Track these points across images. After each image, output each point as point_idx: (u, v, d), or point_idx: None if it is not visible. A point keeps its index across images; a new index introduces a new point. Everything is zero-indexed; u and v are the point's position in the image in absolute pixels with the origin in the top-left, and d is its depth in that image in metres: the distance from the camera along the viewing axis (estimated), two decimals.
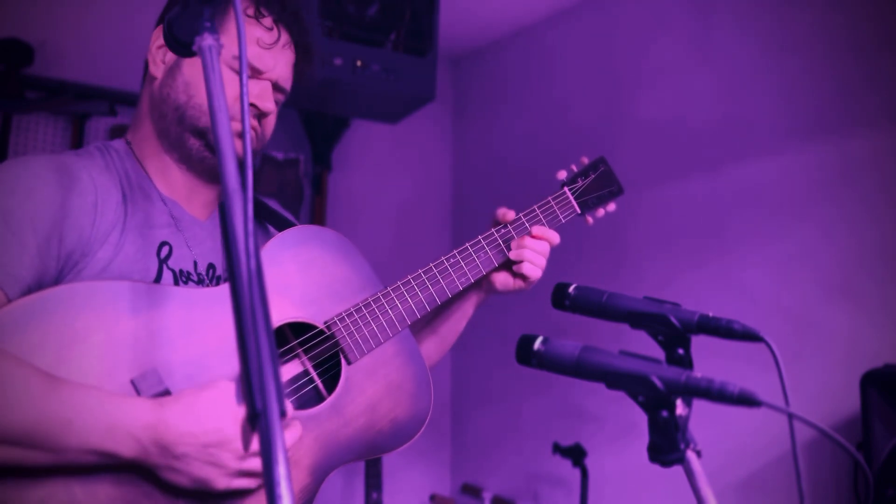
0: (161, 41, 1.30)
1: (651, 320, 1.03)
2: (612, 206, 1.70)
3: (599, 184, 1.67)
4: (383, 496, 3.18)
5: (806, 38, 2.66)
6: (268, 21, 1.33)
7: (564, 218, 1.63)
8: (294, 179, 3.70)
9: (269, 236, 1.49)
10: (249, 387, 0.64)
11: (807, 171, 2.62)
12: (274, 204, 1.57)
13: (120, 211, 1.23)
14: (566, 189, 1.65)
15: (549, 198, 1.63)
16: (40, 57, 3.03)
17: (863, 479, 2.22)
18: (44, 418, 1.02)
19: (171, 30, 0.98)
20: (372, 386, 1.36)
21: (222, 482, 1.08)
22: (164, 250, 1.27)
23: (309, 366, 1.36)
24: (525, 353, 0.95)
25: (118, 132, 3.21)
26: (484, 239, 1.54)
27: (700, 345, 1.04)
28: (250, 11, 1.31)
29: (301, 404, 1.33)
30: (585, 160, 1.69)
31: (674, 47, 3.13)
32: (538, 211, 1.61)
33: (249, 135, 0.79)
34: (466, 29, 3.89)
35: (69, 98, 3.07)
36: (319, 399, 1.34)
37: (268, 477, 0.60)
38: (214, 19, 0.87)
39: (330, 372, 1.37)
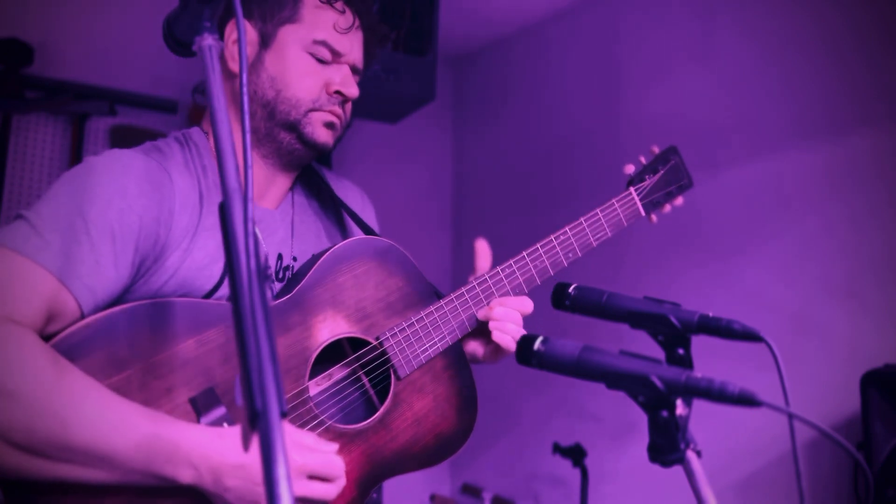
0: (235, 35, 1.31)
1: (651, 320, 1.03)
2: (679, 201, 1.56)
3: (669, 178, 1.53)
4: (383, 496, 3.17)
5: (808, 37, 2.66)
6: (339, 5, 1.34)
7: (627, 221, 1.52)
8: None
9: (345, 232, 1.52)
10: (249, 387, 0.64)
11: (808, 171, 2.61)
12: (354, 196, 1.57)
13: (195, 213, 1.24)
14: (632, 190, 1.53)
15: (614, 200, 1.51)
16: (40, 57, 3.03)
17: (863, 480, 2.22)
18: (113, 441, 1.05)
19: (170, 30, 0.98)
20: (419, 400, 1.37)
21: None
22: None
23: (365, 381, 1.37)
24: (525, 353, 0.95)
25: (118, 132, 3.21)
26: (553, 239, 1.46)
27: (700, 345, 1.04)
28: None
29: (353, 418, 1.35)
30: (656, 149, 1.56)
31: (675, 47, 3.13)
32: (600, 214, 1.50)
33: (249, 135, 0.79)
34: (466, 29, 3.89)
35: (69, 98, 3.07)
36: (368, 411, 1.36)
37: (267, 477, 0.60)
38: (214, 18, 0.87)
39: (381, 385, 1.38)
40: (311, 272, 1.31)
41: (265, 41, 1.32)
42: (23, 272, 1.08)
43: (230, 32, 1.32)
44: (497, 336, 1.39)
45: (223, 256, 1.24)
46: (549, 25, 3.75)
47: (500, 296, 1.43)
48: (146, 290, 1.20)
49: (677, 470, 0.91)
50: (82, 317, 1.13)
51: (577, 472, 3.06)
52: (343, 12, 1.34)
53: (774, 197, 2.70)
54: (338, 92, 1.33)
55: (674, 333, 1.02)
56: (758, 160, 2.76)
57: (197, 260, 1.23)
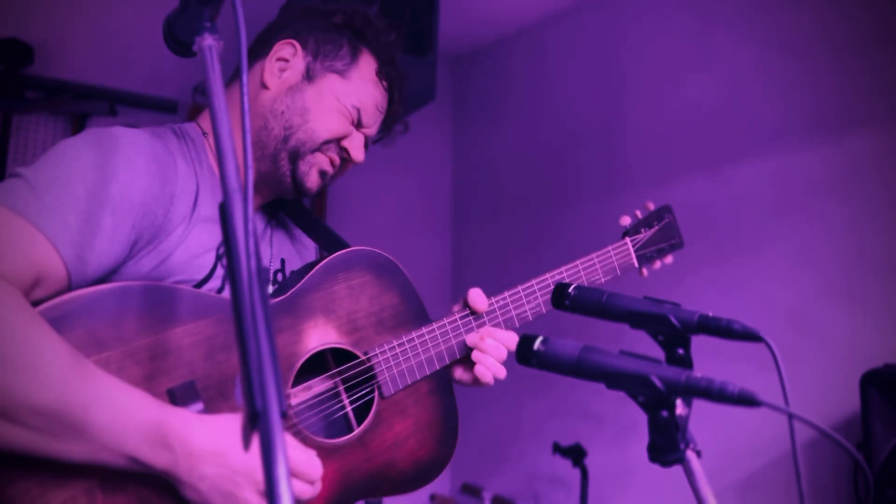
0: (283, 54, 1.36)
1: (651, 320, 1.03)
2: (669, 259, 1.61)
3: (662, 235, 1.59)
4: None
5: (807, 38, 2.66)
6: (385, 85, 1.40)
7: (621, 270, 1.55)
8: None
9: (297, 245, 1.52)
10: (249, 386, 0.64)
11: (808, 171, 2.62)
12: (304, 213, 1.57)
13: (191, 202, 1.22)
14: (628, 240, 1.57)
15: (610, 247, 1.55)
16: (40, 57, 3.03)
17: (863, 479, 2.22)
18: (91, 412, 0.99)
19: (170, 30, 0.98)
20: (400, 423, 1.35)
21: None
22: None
23: (344, 397, 1.33)
24: (525, 353, 0.95)
25: None
26: (549, 278, 1.47)
27: (700, 345, 1.04)
28: (378, 70, 1.39)
29: (330, 433, 1.30)
30: (651, 206, 1.62)
31: (674, 48, 3.13)
32: (595, 259, 1.52)
33: (249, 135, 0.79)
34: (466, 29, 3.89)
35: (69, 98, 3.07)
36: (347, 427, 1.31)
37: (268, 477, 0.60)
38: (214, 19, 0.87)
39: (362, 401, 1.34)
40: (307, 277, 1.29)
41: (309, 75, 1.35)
42: (16, 230, 1.03)
43: (278, 49, 1.36)
44: (479, 370, 1.39)
45: (216, 248, 1.24)
46: (549, 26, 3.75)
47: (493, 326, 1.43)
48: (135, 271, 1.15)
49: (677, 470, 0.91)
50: (69, 286, 1.07)
51: (577, 472, 3.06)
52: (385, 94, 1.40)
53: (774, 197, 2.70)
54: (345, 149, 1.37)
55: (674, 333, 1.02)
56: (757, 160, 2.76)
57: (191, 248, 1.21)
